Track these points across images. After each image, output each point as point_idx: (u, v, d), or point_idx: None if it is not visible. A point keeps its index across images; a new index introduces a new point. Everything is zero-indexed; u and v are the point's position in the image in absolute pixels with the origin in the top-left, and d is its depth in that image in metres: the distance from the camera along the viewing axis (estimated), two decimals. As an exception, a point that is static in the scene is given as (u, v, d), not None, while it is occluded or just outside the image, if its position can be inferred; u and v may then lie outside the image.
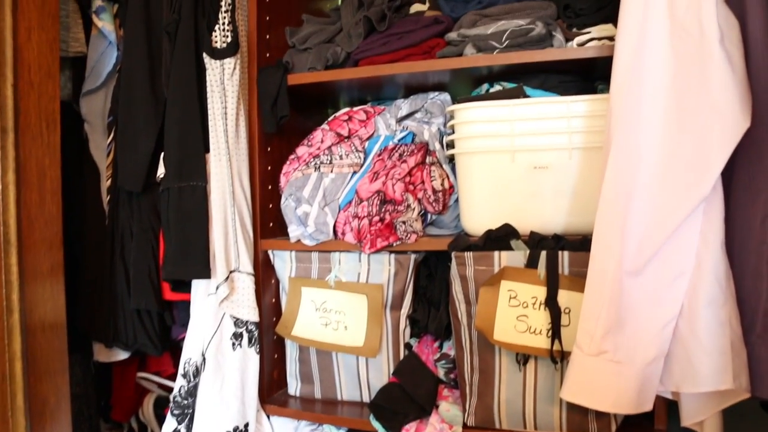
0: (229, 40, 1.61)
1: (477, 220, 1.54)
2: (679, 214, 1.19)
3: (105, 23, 1.72)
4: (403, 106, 1.75)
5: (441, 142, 1.68)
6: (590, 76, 1.70)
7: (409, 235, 1.53)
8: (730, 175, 1.20)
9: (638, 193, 1.20)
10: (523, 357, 1.43)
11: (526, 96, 1.54)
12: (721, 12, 1.18)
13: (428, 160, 1.65)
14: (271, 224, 1.75)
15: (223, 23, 1.62)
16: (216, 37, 1.61)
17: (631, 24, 1.23)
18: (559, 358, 1.37)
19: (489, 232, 1.46)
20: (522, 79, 1.63)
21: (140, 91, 1.64)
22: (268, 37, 1.76)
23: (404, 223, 1.55)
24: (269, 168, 1.75)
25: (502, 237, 1.44)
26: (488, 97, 1.58)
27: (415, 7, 1.78)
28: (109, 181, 1.74)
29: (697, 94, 1.17)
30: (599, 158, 1.40)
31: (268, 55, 1.76)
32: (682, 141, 1.18)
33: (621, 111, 1.22)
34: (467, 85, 1.81)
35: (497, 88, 1.64)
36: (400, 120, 1.75)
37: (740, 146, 1.16)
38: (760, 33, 1.20)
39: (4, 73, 1.33)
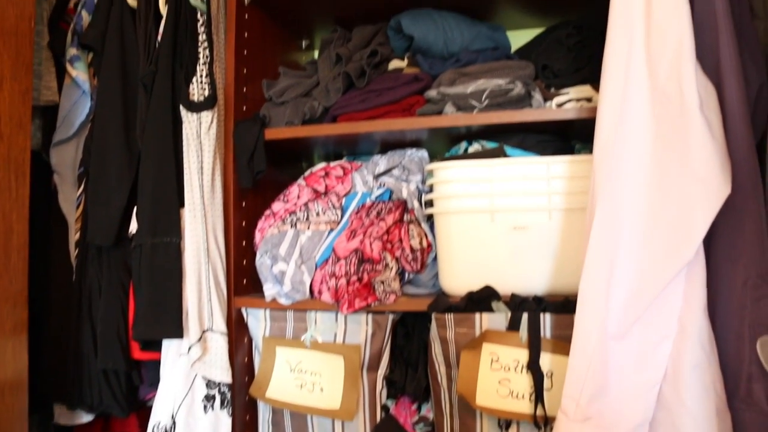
0: (206, 93, 1.59)
1: (456, 279, 1.53)
2: (663, 278, 1.18)
3: (79, 72, 1.69)
4: (381, 162, 1.74)
5: (419, 200, 1.67)
6: (567, 135, 1.71)
7: (387, 296, 1.50)
8: (710, 238, 1.20)
9: (622, 257, 1.20)
10: (505, 422, 1.40)
11: (506, 156, 1.54)
12: (700, 80, 1.20)
13: (406, 218, 1.63)
14: (244, 281, 1.71)
15: (201, 75, 1.60)
16: (193, 89, 1.59)
17: (613, 89, 1.24)
18: (543, 423, 1.34)
19: (470, 294, 1.44)
20: (500, 138, 1.63)
21: (114, 143, 1.60)
22: (245, 89, 1.75)
23: (383, 282, 1.52)
24: (243, 223, 1.71)
25: (483, 299, 1.42)
26: (469, 156, 1.58)
27: (394, 64, 1.78)
28: (78, 234, 1.69)
29: (679, 160, 1.17)
30: (579, 219, 1.41)
31: (244, 108, 1.74)
32: (665, 206, 1.18)
33: (604, 175, 1.22)
34: (445, 143, 1.81)
35: (476, 146, 1.65)
36: (377, 176, 1.73)
37: (720, 211, 1.16)
38: (736, 101, 1.23)
39: (-25, 125, 1.30)
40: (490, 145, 1.63)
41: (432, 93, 1.61)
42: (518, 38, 2.00)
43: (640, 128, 1.21)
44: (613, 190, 1.21)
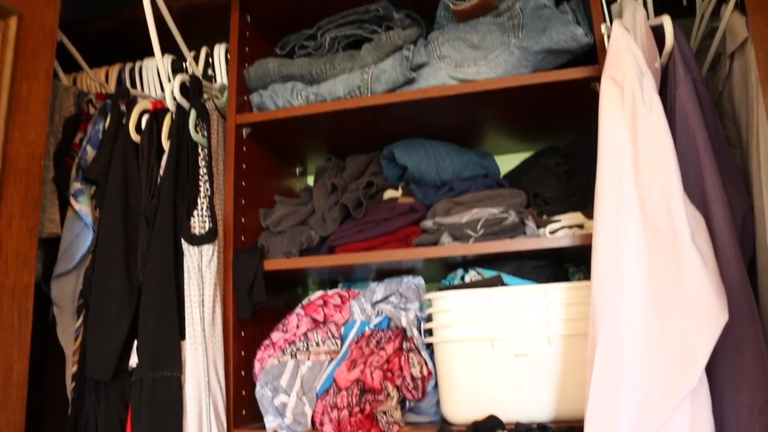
0: (207, 227, 1.62)
1: (458, 407, 1.52)
2: (668, 406, 1.19)
3: (82, 206, 1.72)
4: (378, 290, 1.76)
5: (418, 329, 1.68)
6: (560, 260, 1.75)
7: (390, 427, 1.49)
8: (712, 364, 1.22)
9: (626, 387, 1.21)
10: None
11: (504, 285, 1.57)
12: (689, 210, 1.26)
13: (405, 346, 1.64)
14: (243, 412, 1.69)
15: (202, 209, 1.64)
16: (195, 223, 1.62)
17: (606, 221, 1.28)
18: None
19: (475, 424, 1.43)
20: (496, 265, 1.67)
21: (115, 276, 1.61)
22: (243, 219, 1.79)
23: (385, 413, 1.51)
24: (243, 353, 1.71)
25: (488, 428, 1.42)
26: (467, 285, 1.61)
27: (389, 194, 1.84)
28: (75, 366, 1.67)
29: (675, 290, 1.21)
30: (579, 345, 1.43)
31: (243, 238, 1.77)
32: (664, 336, 1.20)
33: (603, 306, 1.24)
34: (441, 270, 1.84)
35: (472, 273, 1.68)
36: (374, 304, 1.75)
37: (719, 337, 1.19)
38: (724, 228, 1.28)
39: (-17, 266, 1.31)
40: (486, 272, 1.66)
41: (428, 223, 1.66)
42: (506, 162, 2.09)
43: (635, 259, 1.24)
44: (612, 321, 1.23)
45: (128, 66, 2.17)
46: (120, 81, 2.15)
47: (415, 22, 1.87)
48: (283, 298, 2.02)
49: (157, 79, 2.13)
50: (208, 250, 1.60)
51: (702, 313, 1.18)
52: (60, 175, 1.76)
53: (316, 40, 1.89)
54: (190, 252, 1.59)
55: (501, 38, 1.67)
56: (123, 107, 1.79)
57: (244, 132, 1.82)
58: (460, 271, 1.72)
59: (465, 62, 1.67)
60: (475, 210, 1.63)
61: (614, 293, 1.24)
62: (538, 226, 1.63)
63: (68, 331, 1.72)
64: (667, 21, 1.45)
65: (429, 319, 1.61)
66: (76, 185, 1.74)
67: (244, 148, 1.83)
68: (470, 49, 1.69)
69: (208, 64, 2.09)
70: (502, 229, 1.59)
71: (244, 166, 1.82)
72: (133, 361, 1.54)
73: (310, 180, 2.31)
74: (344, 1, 1.87)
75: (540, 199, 1.69)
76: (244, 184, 1.81)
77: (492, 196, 1.68)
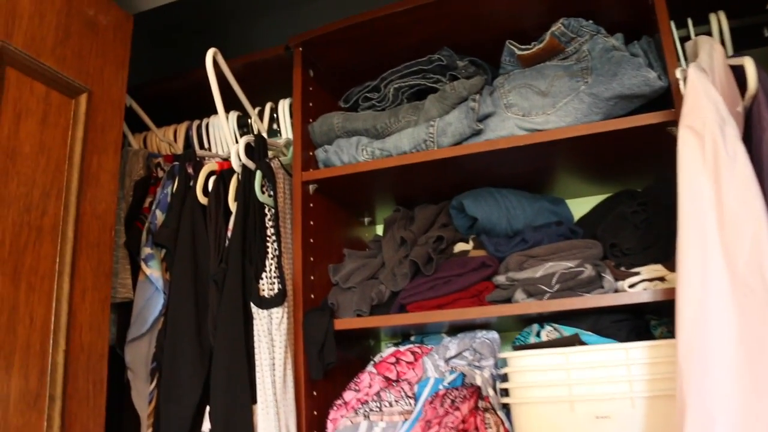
0: (276, 289, 1.61)
1: (538, 473, 1.46)
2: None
3: (153, 270, 1.74)
4: (451, 346, 1.72)
5: (494, 387, 1.63)
6: (641, 312, 1.67)
7: (468, 494, 1.44)
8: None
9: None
10: None
11: (582, 343, 1.50)
12: (783, 267, 1.17)
13: (481, 405, 1.59)
14: (317, 475, 1.66)
15: (270, 270, 1.63)
16: (263, 285, 1.61)
17: (691, 282, 1.20)
18: None
19: (557, 494, 1.37)
20: (573, 320, 1.60)
21: (186, 341, 1.61)
22: (312, 278, 1.77)
23: (462, 479, 1.46)
24: (315, 413, 1.69)
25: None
26: (543, 345, 1.55)
27: (459, 246, 1.80)
28: (150, 430, 1.68)
29: (771, 356, 1.12)
30: (665, 407, 1.34)
31: (312, 296, 1.75)
32: (762, 410, 1.11)
33: (691, 376, 1.16)
34: (515, 324, 1.79)
35: (548, 329, 1.62)
36: (448, 360, 1.71)
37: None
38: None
39: (57, 341, 1.33)
40: (562, 328, 1.60)
41: (500, 279, 1.61)
42: (579, 206, 2.02)
43: (724, 323, 1.15)
44: (702, 392, 1.14)
45: (195, 123, 2.19)
46: (188, 139, 2.18)
47: (480, 69, 1.84)
48: (355, 351, 1.99)
49: (225, 135, 2.15)
50: (278, 313, 1.59)
51: (803, 382, 1.09)
52: (131, 239, 1.79)
53: (379, 91, 1.88)
54: (259, 315, 1.58)
55: (569, 84, 1.62)
56: (190, 170, 1.81)
57: (311, 188, 1.82)
58: (535, 326, 1.66)
59: (533, 111, 1.62)
60: (550, 264, 1.57)
61: (702, 362, 1.15)
62: (616, 279, 1.56)
63: (142, 395, 1.73)
64: (748, 63, 1.36)
65: (505, 378, 1.55)
66: (147, 250, 1.76)
67: (311, 204, 1.82)
68: (538, 96, 1.64)
69: (273, 119, 2.10)
70: (578, 284, 1.52)
71: (311, 222, 1.81)
72: (206, 426, 1.54)
73: (380, 229, 2.28)
74: (406, 52, 1.86)
75: (617, 250, 1.62)
76: (312, 240, 1.80)
77: (566, 248, 1.62)
